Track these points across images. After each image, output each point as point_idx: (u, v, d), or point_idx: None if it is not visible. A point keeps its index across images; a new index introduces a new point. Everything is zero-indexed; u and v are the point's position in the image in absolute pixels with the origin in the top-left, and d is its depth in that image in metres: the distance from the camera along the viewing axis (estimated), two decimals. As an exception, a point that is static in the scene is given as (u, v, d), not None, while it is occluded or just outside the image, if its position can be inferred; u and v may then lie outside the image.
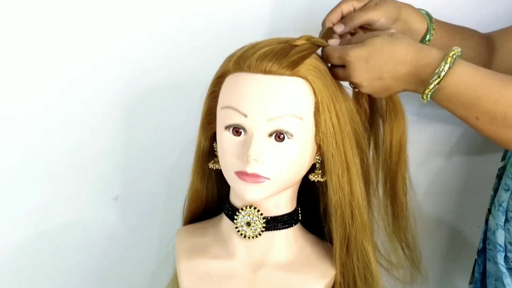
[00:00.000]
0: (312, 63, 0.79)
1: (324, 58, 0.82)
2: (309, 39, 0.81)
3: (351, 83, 0.82)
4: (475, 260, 1.04)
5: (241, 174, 0.77)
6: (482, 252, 0.99)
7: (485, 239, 0.99)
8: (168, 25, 1.07)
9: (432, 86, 0.75)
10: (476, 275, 1.01)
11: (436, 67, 0.74)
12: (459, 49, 0.75)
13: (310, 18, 0.95)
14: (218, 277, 0.86)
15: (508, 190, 0.91)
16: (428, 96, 0.76)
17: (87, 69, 1.08)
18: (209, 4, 1.07)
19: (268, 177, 0.77)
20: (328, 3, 0.92)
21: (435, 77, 0.74)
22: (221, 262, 0.87)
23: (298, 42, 0.79)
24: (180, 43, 1.08)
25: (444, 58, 0.74)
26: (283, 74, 0.77)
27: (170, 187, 1.18)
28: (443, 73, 0.74)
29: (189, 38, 1.08)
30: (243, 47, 0.81)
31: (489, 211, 0.99)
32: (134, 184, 1.17)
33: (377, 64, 0.76)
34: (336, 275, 0.85)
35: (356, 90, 0.83)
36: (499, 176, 0.99)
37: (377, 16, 0.85)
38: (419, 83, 0.77)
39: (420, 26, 0.89)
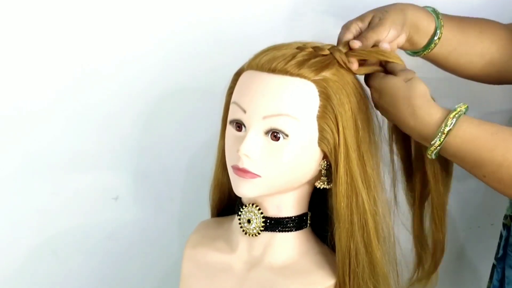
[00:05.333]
0: (324, 66, 0.77)
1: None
2: (332, 47, 0.81)
3: None
4: (493, 265, 1.01)
5: (235, 168, 0.79)
6: (502, 259, 0.96)
7: (506, 245, 0.96)
8: (182, 30, 1.08)
9: (434, 146, 0.75)
10: (495, 282, 0.98)
11: (438, 127, 0.74)
12: (464, 107, 0.74)
13: (324, 34, 0.94)
14: (214, 269, 0.87)
15: None
16: (433, 154, 0.76)
17: (89, 70, 1.08)
18: (227, 10, 1.08)
19: (258, 174, 0.77)
20: (344, 13, 0.92)
21: (437, 137, 0.74)
22: (221, 255, 0.87)
23: (319, 50, 0.79)
24: (189, 48, 1.09)
25: (445, 118, 0.74)
26: (286, 74, 0.76)
27: (170, 187, 1.18)
28: (444, 134, 0.74)
29: (198, 43, 1.09)
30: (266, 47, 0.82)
31: (511, 218, 0.96)
32: (134, 184, 1.17)
33: (384, 105, 0.79)
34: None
35: None
36: None
37: (385, 30, 0.82)
38: (423, 140, 0.77)
39: (428, 24, 0.87)
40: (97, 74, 1.09)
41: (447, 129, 0.74)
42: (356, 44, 0.81)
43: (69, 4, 1.04)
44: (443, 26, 0.88)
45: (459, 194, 1.19)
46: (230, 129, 0.80)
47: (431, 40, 0.88)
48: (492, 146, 0.73)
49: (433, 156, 0.77)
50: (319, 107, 0.77)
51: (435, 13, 0.89)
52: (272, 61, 0.77)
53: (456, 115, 0.74)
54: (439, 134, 0.74)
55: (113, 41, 1.08)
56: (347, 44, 0.82)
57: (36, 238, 1.15)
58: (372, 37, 0.81)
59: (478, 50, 0.91)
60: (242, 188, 0.78)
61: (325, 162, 0.80)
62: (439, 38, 0.88)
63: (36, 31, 1.05)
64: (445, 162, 0.84)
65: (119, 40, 1.08)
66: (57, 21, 1.05)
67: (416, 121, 0.75)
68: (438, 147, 0.75)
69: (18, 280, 1.16)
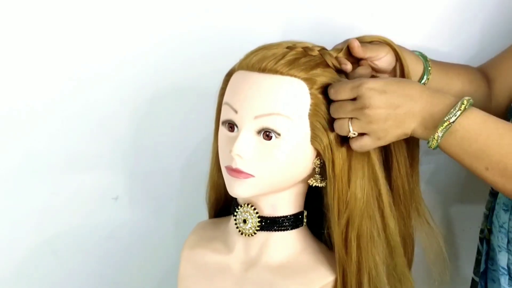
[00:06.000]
0: (314, 65, 0.78)
1: (331, 96, 0.77)
2: (322, 49, 0.81)
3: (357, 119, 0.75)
4: (472, 280, 1.01)
5: (228, 169, 0.79)
6: (484, 274, 0.96)
7: (487, 260, 0.96)
8: (179, 31, 1.09)
9: (444, 125, 0.72)
10: None
11: (450, 107, 0.72)
12: (471, 98, 0.73)
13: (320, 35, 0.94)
14: (212, 270, 0.87)
15: (507, 210, 0.89)
16: (438, 138, 0.73)
17: (90, 70, 1.09)
18: (224, 11, 1.08)
19: (252, 174, 0.77)
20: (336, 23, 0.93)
21: (448, 117, 0.72)
22: (218, 256, 0.87)
23: (308, 50, 0.79)
24: (187, 48, 1.09)
25: (457, 102, 0.72)
26: (276, 73, 0.76)
27: (170, 187, 1.18)
28: (458, 114, 0.72)
29: (195, 44, 1.09)
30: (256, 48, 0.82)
31: (489, 230, 0.95)
32: (134, 184, 1.17)
33: (393, 96, 0.73)
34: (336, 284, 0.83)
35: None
36: (493, 195, 0.96)
37: (384, 52, 0.84)
38: (430, 123, 0.73)
39: (417, 67, 0.89)
40: (96, 75, 1.09)
41: (462, 108, 0.72)
42: (355, 42, 0.82)
43: (67, 5, 1.05)
44: (430, 68, 0.90)
45: (458, 194, 1.19)
46: (223, 130, 0.81)
47: (419, 82, 0.89)
48: (501, 132, 0.72)
49: (438, 141, 0.73)
50: (311, 105, 0.77)
51: (423, 56, 0.91)
52: (262, 60, 0.77)
53: (468, 101, 0.73)
54: (456, 109, 0.72)
55: (112, 42, 1.08)
56: (339, 50, 0.83)
57: (36, 238, 1.15)
58: (371, 50, 0.83)
59: (458, 91, 0.93)
60: (236, 189, 0.78)
61: (319, 160, 0.80)
62: (428, 79, 0.89)
63: (35, 32, 1.05)
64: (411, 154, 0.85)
65: (117, 41, 1.08)
66: (55, 22, 1.05)
67: (432, 102, 0.73)
68: (449, 127, 0.72)
69: (18, 280, 1.17)
